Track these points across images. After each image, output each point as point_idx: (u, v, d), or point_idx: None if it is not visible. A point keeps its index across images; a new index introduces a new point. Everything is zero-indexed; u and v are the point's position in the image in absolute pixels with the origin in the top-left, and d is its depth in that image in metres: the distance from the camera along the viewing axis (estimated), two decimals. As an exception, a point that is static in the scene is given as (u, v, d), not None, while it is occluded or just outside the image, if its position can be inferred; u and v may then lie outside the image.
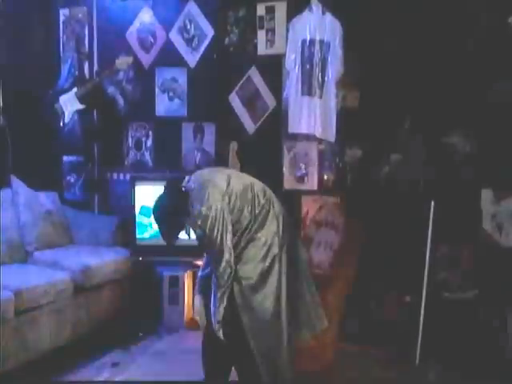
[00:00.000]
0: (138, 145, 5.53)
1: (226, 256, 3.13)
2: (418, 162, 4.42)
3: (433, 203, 4.11)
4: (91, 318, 4.51)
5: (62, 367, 4.11)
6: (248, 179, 3.33)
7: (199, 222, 3.15)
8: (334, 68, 4.77)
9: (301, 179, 4.94)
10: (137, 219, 4.96)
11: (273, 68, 5.01)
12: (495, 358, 3.95)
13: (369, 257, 4.29)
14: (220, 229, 3.13)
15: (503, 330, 4.04)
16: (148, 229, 4.97)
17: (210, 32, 5.28)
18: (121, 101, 5.47)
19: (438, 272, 4.28)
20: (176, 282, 4.87)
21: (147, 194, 4.93)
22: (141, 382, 3.34)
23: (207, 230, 3.14)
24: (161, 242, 4.81)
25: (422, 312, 4.15)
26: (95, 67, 5.62)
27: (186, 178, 3.37)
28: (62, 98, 5.39)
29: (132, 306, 4.84)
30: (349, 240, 4.13)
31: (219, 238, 3.12)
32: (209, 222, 3.12)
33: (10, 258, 4.56)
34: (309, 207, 4.64)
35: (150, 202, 4.83)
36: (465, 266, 4.25)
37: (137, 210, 4.97)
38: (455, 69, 4.29)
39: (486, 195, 4.24)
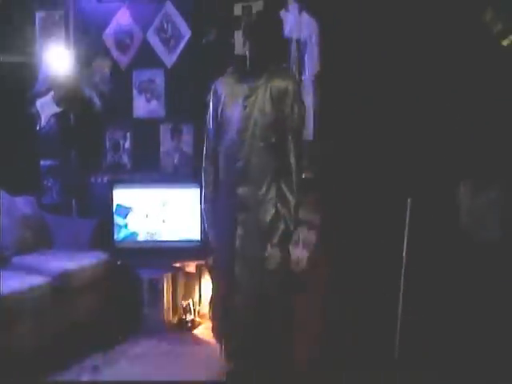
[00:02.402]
0: (116, 147, 5.50)
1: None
2: (395, 158, 4.43)
3: (409, 200, 4.11)
4: (70, 322, 4.46)
5: (41, 371, 4.08)
6: None
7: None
8: (311, 66, 4.77)
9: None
10: (115, 221, 4.92)
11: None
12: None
13: (345, 255, 4.28)
14: None
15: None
16: (123, 230, 4.94)
17: (186, 32, 5.26)
18: (98, 103, 5.44)
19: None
20: (155, 285, 4.84)
21: (125, 197, 4.93)
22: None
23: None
24: (139, 244, 4.87)
25: (400, 307, 4.16)
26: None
27: None
28: (39, 102, 5.35)
29: (111, 310, 4.80)
30: (325, 236, 4.12)
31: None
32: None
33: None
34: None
35: (127, 202, 4.88)
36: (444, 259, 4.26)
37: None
38: (431, 61, 4.31)
39: (464, 188, 4.26)
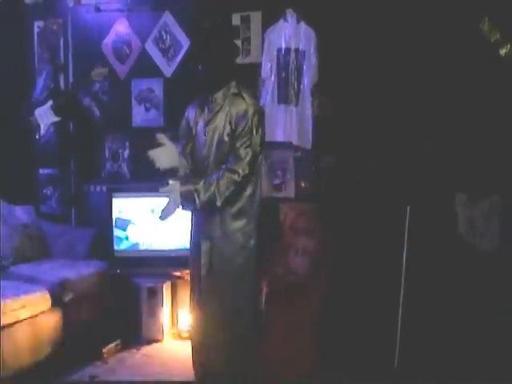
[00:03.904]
0: (115, 156, 5.50)
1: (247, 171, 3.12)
2: (393, 168, 4.45)
3: (408, 208, 4.12)
4: (69, 332, 4.44)
5: (40, 381, 4.07)
6: None
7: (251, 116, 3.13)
8: (309, 76, 4.80)
9: (278, 187, 4.94)
10: (115, 234, 4.92)
11: (249, 77, 4.99)
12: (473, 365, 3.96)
13: (345, 263, 4.29)
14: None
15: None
16: (124, 241, 4.93)
17: (185, 42, 5.27)
18: (97, 112, 5.45)
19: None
20: (154, 294, 4.84)
21: (124, 206, 4.92)
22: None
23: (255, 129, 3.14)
24: (138, 253, 4.86)
25: (400, 317, 4.15)
26: (70, 79, 5.59)
27: None
28: (38, 111, 5.36)
29: (110, 318, 4.78)
30: (324, 247, 4.12)
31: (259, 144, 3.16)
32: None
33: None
34: (286, 215, 4.63)
35: (125, 214, 4.88)
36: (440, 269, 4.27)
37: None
38: (428, 74, 4.33)
39: (461, 199, 4.28)
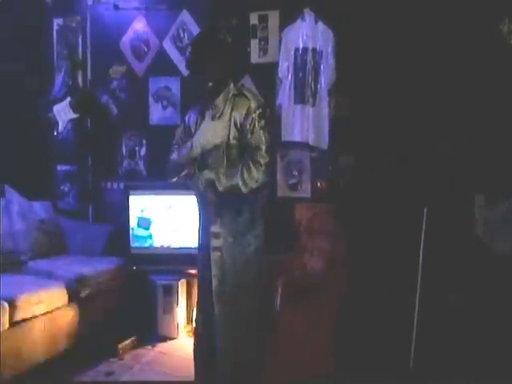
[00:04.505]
0: (132, 153, 5.54)
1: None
2: (411, 169, 4.44)
3: (426, 210, 4.11)
4: (85, 327, 4.49)
5: (56, 376, 4.10)
6: None
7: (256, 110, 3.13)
8: (327, 76, 4.80)
9: (294, 186, 4.95)
10: (131, 228, 4.94)
11: (266, 76, 5.01)
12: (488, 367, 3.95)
13: (361, 263, 4.30)
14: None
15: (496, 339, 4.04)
16: (148, 240, 4.96)
17: (203, 41, 5.28)
18: (114, 109, 5.49)
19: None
20: (170, 291, 4.86)
21: (141, 204, 4.95)
22: (143, 381, 3.40)
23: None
24: (154, 250, 4.89)
25: (416, 317, 4.15)
26: (89, 76, 5.63)
27: None
28: (56, 108, 5.40)
29: (125, 315, 4.81)
30: (341, 247, 4.13)
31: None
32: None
33: (4, 267, 4.55)
34: (302, 214, 4.64)
35: (147, 213, 4.91)
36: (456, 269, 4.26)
37: (131, 220, 4.94)
38: (446, 74, 4.32)
39: (479, 200, 4.27)
